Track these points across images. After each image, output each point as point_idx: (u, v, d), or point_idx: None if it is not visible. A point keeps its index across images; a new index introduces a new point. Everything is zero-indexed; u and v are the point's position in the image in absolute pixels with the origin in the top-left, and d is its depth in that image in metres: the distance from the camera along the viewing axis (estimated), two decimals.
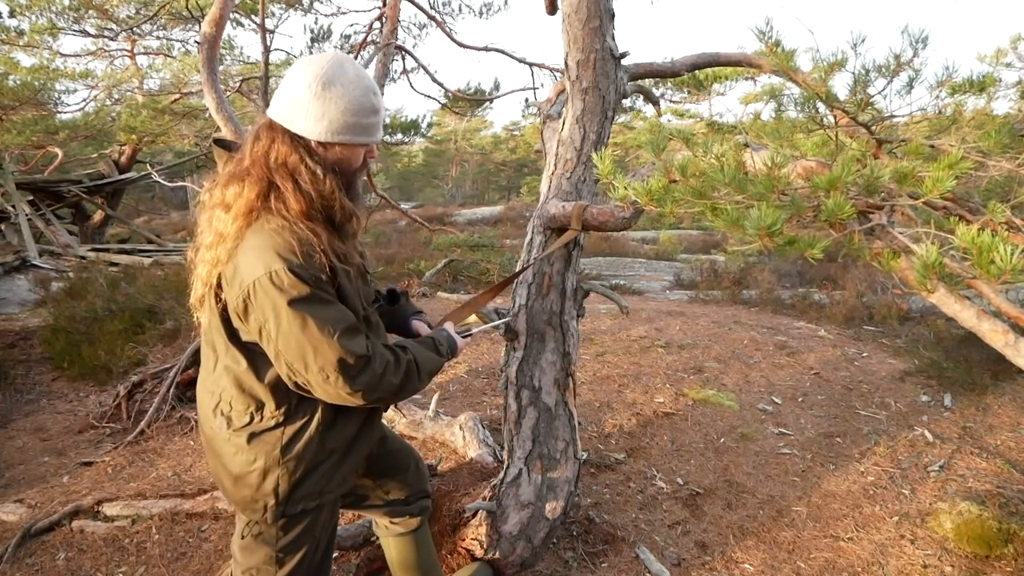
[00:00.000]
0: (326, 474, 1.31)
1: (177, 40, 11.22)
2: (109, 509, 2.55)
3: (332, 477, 1.33)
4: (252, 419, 1.24)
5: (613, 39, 1.90)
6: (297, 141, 1.18)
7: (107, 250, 8.95)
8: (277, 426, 1.24)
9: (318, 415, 1.26)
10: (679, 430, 3.22)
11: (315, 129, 1.17)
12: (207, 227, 1.22)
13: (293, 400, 1.25)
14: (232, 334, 1.22)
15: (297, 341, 1.12)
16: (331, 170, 1.20)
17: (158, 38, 11.27)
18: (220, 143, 1.64)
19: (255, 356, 1.22)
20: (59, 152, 11.35)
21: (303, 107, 1.16)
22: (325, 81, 1.15)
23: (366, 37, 5.69)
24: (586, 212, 1.77)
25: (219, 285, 1.20)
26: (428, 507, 1.76)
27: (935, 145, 1.48)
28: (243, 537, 1.33)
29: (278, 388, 1.23)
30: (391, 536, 1.72)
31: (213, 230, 1.20)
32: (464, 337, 1.53)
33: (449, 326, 1.51)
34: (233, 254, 1.16)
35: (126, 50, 11.50)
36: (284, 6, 8.70)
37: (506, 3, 7.75)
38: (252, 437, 1.24)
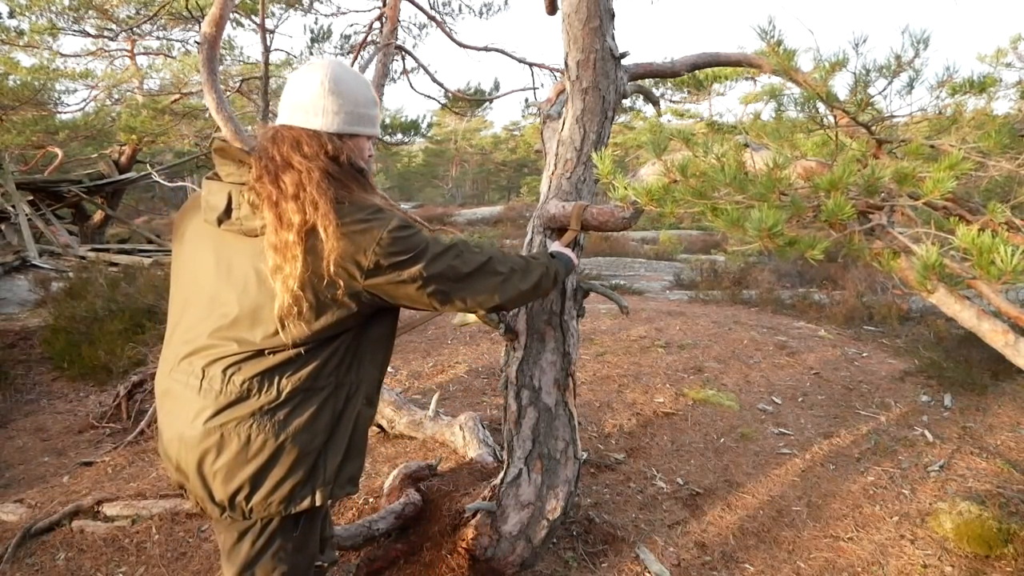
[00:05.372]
0: (352, 460, 1.32)
1: (177, 40, 11.21)
2: (109, 509, 2.54)
3: (355, 465, 1.33)
4: (271, 408, 1.20)
5: (613, 39, 1.90)
6: (316, 135, 1.26)
7: (107, 250, 8.95)
8: (293, 412, 1.21)
9: (330, 404, 1.25)
10: (679, 430, 3.22)
11: (332, 123, 1.27)
12: (275, 225, 1.16)
13: (317, 387, 1.24)
14: (313, 330, 1.20)
15: (449, 266, 1.28)
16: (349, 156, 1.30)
17: (158, 38, 11.26)
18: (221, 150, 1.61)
19: (301, 355, 1.21)
20: (59, 152, 11.35)
21: (319, 104, 1.26)
22: (335, 79, 1.27)
23: (366, 37, 5.69)
24: (586, 212, 1.77)
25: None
26: None
27: (935, 145, 1.48)
28: (254, 545, 1.29)
29: (301, 386, 1.22)
30: None
31: (287, 223, 1.15)
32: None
33: (555, 245, 1.73)
34: (337, 239, 1.15)
35: (126, 50, 11.50)
36: (284, 6, 8.69)
37: (506, 3, 7.75)
38: (277, 426, 1.21)
